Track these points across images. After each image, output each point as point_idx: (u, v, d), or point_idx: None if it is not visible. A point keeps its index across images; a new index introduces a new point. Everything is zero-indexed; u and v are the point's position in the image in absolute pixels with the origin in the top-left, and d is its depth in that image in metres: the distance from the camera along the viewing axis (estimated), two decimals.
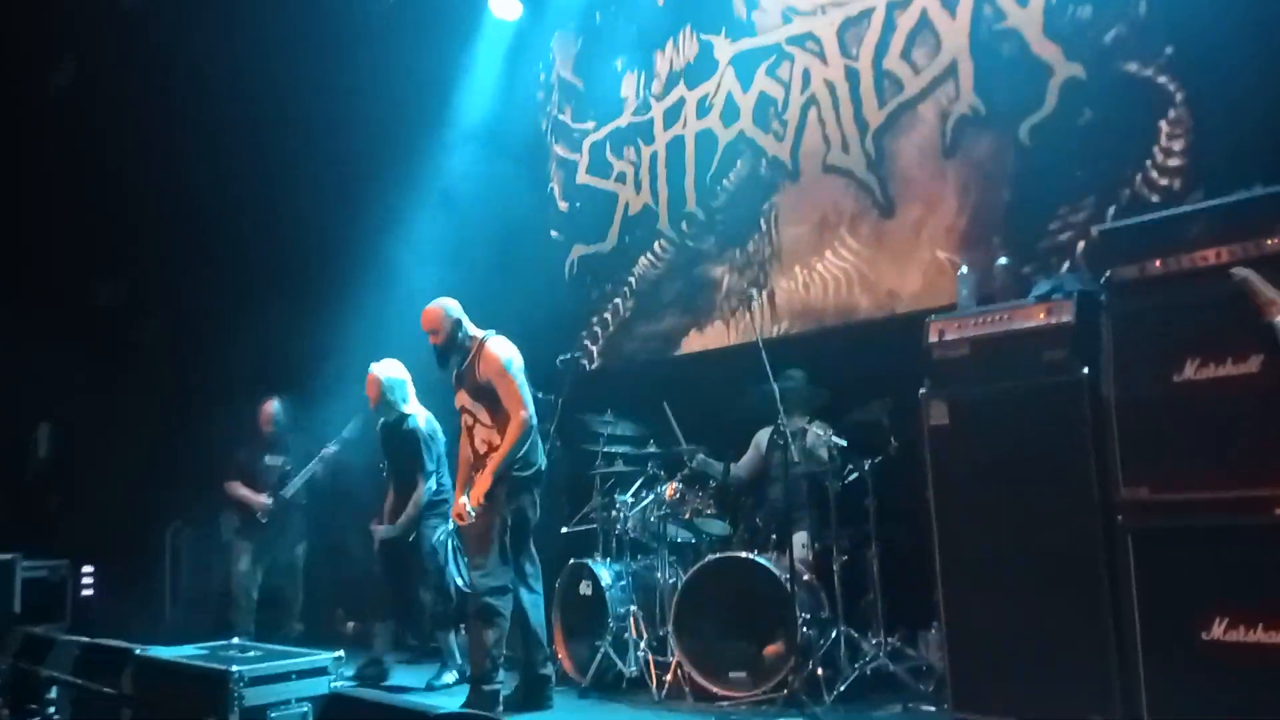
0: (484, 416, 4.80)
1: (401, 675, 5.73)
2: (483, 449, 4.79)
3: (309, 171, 7.72)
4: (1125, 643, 3.67)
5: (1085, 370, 3.90)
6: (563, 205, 7.43)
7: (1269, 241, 3.51)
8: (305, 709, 3.63)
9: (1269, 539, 3.37)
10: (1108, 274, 3.92)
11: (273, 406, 6.51)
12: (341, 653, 3.88)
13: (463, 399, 4.90)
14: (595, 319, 7.15)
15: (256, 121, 7.50)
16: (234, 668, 3.53)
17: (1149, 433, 3.71)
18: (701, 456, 5.40)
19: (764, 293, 6.10)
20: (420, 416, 5.71)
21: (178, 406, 7.53)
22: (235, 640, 4.41)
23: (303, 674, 3.72)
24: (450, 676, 5.50)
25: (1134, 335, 3.81)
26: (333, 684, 3.71)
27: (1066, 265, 4.89)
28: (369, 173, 7.65)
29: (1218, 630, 3.45)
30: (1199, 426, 3.59)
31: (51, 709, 4.54)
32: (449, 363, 4.88)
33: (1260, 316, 3.31)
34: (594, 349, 7.13)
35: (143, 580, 7.77)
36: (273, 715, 3.57)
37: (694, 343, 6.55)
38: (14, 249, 8.12)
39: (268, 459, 6.45)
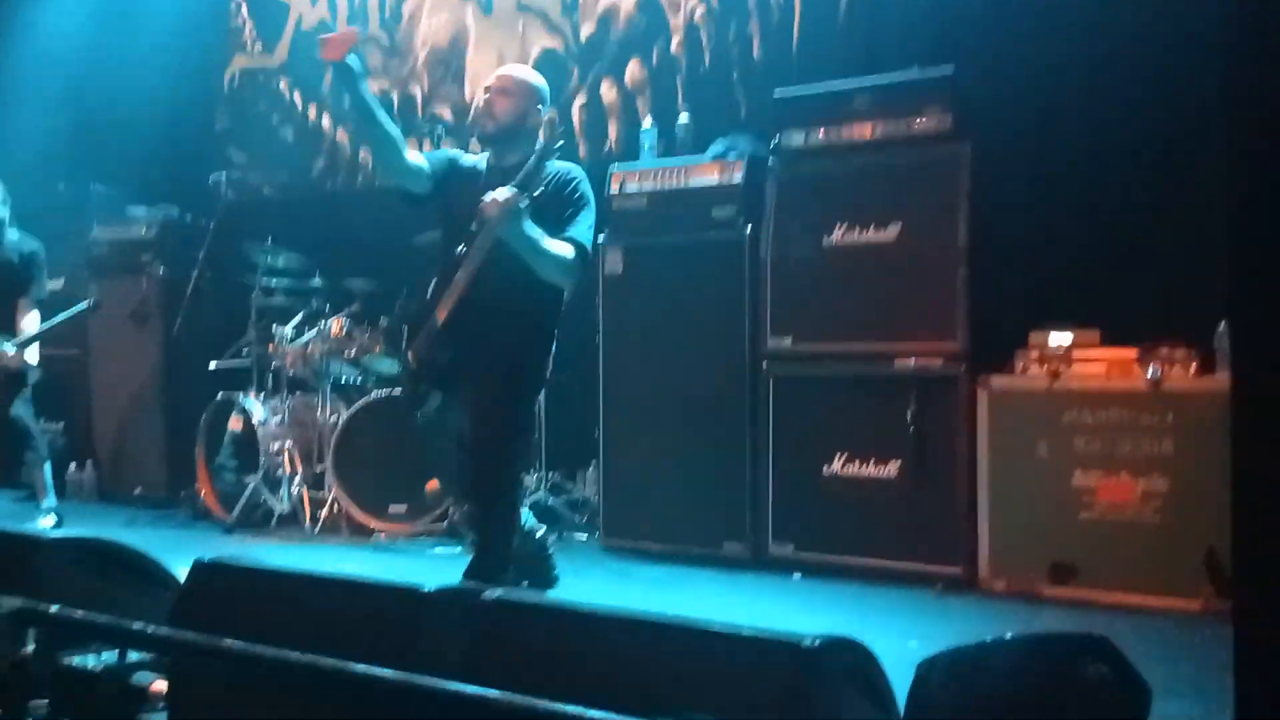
0: None
1: None
2: None
3: None
4: (760, 478, 4.05)
5: (748, 228, 4.13)
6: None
7: (917, 121, 3.86)
8: None
9: (885, 387, 3.83)
10: (776, 138, 4.16)
11: None
12: None
13: None
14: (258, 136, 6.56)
15: None
16: None
17: (798, 289, 4.04)
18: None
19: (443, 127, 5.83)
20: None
21: None
22: None
23: None
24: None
25: (794, 198, 4.09)
26: None
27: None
28: None
29: (837, 465, 3.90)
30: (841, 286, 3.96)
31: None
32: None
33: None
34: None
35: None
36: None
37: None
38: None
39: None
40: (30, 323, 4.86)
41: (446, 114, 5.86)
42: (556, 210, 3.33)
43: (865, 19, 4.66)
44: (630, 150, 5.17)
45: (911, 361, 3.76)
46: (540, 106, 3.46)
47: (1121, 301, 3.84)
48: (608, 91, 5.46)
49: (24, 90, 5.99)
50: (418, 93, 6.04)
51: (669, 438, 4.22)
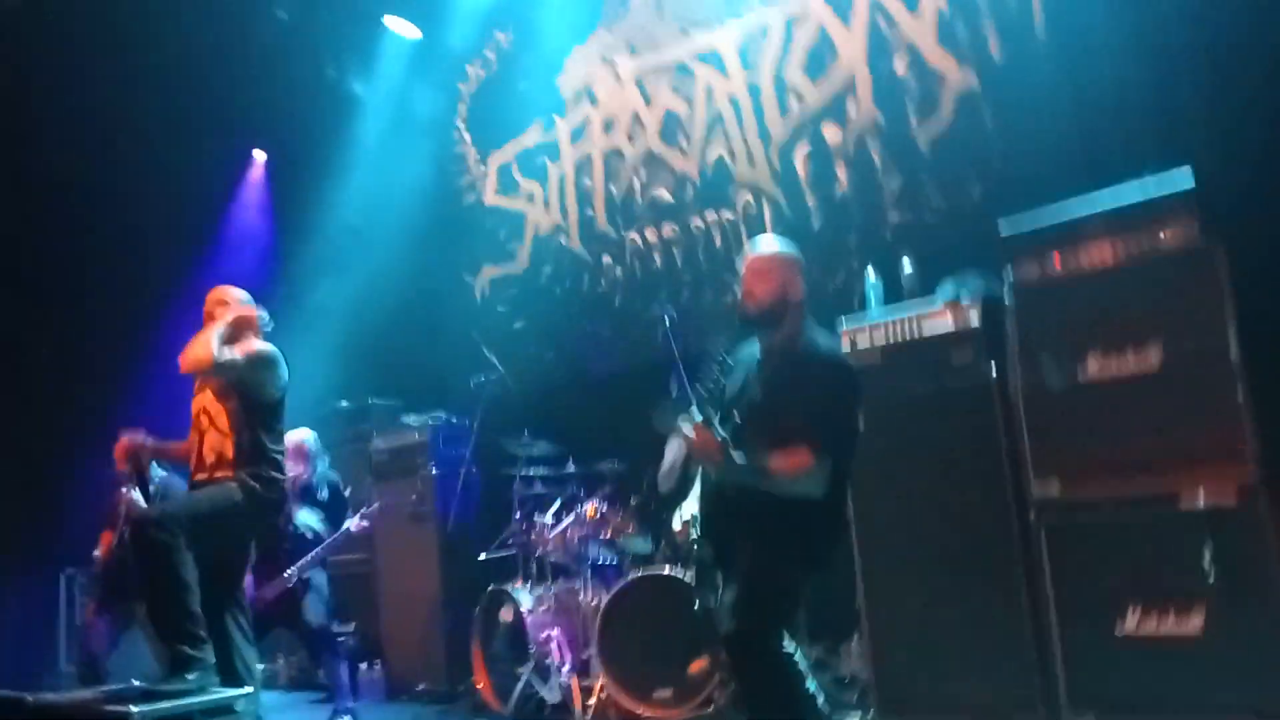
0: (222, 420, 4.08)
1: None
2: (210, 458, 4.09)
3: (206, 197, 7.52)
4: (1044, 639, 3.70)
5: (994, 371, 3.94)
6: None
7: (1161, 235, 3.60)
8: None
9: (1175, 530, 3.43)
10: (1011, 275, 3.98)
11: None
12: (251, 689, 3.69)
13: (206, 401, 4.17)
14: (507, 339, 7.07)
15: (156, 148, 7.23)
16: (132, 709, 3.34)
17: (1057, 429, 3.77)
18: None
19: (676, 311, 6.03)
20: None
21: (73, 440, 7.09)
22: (135, 683, 4.17)
23: (208, 713, 3.54)
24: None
25: (1038, 332, 3.88)
26: None
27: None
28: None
29: (1131, 622, 3.50)
30: (1105, 421, 3.66)
31: None
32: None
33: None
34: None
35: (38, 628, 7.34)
36: None
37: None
38: None
39: None
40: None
41: (666, 196, 6.16)
42: (792, 394, 3.09)
43: (1079, 127, 4.50)
44: (866, 196, 5.22)
45: (1200, 499, 3.37)
46: (798, 274, 3.26)
47: None
48: (832, 135, 5.50)
49: (308, 321, 6.79)
50: (636, 185, 6.37)
51: (937, 599, 3.97)
